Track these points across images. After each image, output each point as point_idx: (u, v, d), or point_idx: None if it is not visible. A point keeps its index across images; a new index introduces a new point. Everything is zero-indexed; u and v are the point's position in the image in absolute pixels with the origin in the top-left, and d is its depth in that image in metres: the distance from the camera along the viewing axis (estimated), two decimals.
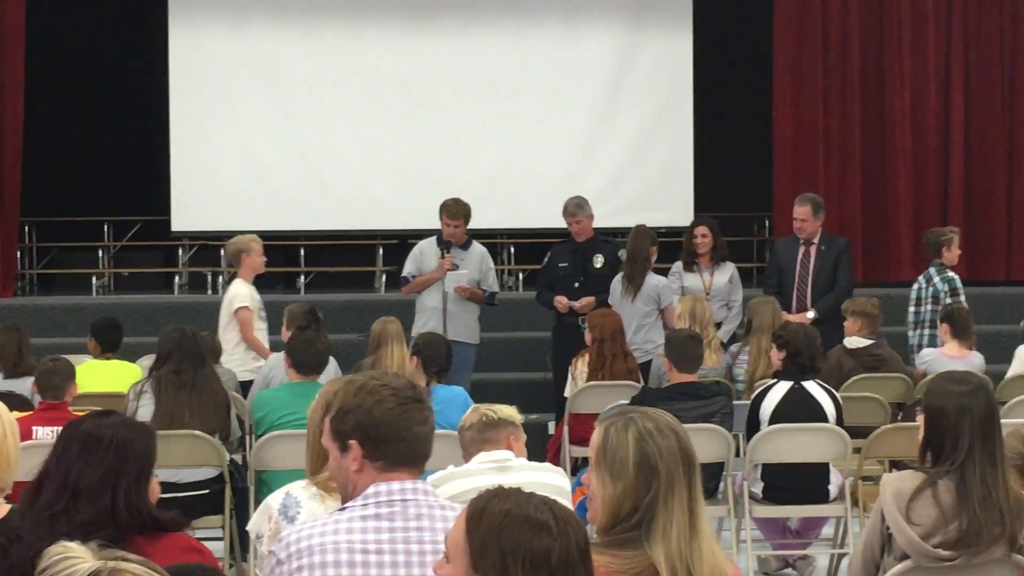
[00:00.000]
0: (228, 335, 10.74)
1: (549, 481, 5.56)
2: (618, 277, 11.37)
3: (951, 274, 11.41)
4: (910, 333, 11.46)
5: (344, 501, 3.70)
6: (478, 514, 2.92)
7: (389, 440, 3.65)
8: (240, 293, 10.82)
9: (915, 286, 11.59)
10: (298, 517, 4.33)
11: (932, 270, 11.48)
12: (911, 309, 11.52)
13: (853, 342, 10.13)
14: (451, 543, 2.95)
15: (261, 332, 10.88)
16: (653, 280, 11.29)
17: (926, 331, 11.34)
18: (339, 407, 3.70)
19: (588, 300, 11.26)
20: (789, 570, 8.87)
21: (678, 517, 3.48)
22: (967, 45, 15.70)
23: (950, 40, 15.67)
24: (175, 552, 3.87)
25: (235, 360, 10.63)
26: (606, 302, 11.18)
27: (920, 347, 11.07)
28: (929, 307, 11.36)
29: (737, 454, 8.35)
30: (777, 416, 8.21)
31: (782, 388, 8.33)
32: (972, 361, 9.95)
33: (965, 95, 15.66)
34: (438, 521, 3.58)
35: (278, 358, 9.07)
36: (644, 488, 3.50)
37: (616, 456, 3.54)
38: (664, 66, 16.09)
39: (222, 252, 13.86)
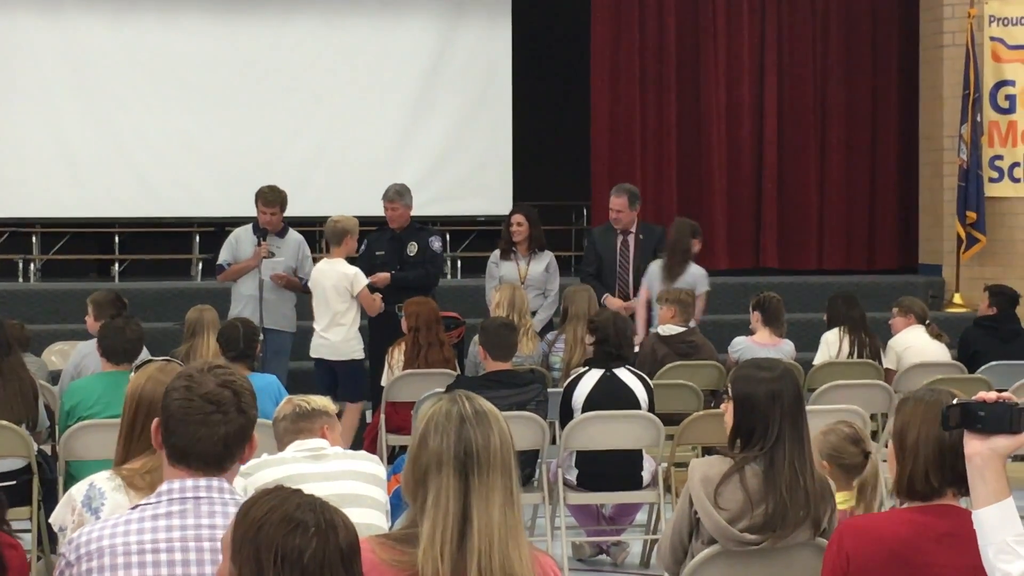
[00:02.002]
0: (348, 316, 10.90)
1: (363, 469, 5.53)
2: (656, 264, 11.36)
3: None
4: None
5: None
6: (245, 509, 2.96)
7: (175, 433, 3.62)
8: (359, 272, 10.94)
9: None
10: (102, 509, 4.24)
11: None
12: None
13: (667, 329, 10.23)
14: (224, 538, 2.99)
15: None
16: (693, 269, 11.33)
17: None
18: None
19: (383, 275, 11.24)
20: (603, 556, 8.95)
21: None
22: (780, 37, 15.96)
23: (764, 32, 15.91)
24: None
25: (352, 337, 10.88)
26: (412, 284, 11.16)
27: None
28: None
29: (553, 441, 8.40)
30: (590, 403, 8.27)
31: (594, 376, 8.39)
32: (783, 349, 10.11)
33: (778, 87, 15.91)
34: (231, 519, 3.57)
35: (89, 347, 8.92)
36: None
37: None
38: (483, 54, 16.10)
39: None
